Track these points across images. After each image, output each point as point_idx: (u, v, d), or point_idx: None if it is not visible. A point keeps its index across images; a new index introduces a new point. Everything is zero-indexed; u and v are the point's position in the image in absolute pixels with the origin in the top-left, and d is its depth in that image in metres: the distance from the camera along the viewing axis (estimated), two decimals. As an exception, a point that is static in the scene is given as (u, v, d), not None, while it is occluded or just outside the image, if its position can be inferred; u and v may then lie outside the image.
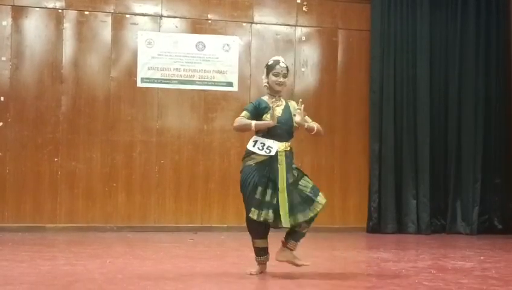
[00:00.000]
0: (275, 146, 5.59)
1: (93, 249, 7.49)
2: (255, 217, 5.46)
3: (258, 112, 5.68)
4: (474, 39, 10.52)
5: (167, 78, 9.83)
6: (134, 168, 9.71)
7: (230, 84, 10.01)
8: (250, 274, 5.65)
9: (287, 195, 5.52)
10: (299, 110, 5.67)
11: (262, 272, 5.73)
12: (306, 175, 5.74)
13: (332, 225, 10.07)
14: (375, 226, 10.19)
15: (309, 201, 5.56)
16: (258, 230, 5.62)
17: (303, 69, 10.24)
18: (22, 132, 9.40)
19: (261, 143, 5.62)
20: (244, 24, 10.16)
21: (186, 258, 6.87)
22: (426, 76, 10.38)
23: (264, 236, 5.67)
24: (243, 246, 7.71)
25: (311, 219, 5.61)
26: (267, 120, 5.60)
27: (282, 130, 5.66)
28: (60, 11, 9.58)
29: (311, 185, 5.64)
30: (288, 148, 5.67)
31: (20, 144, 9.38)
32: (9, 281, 5.16)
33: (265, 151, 5.59)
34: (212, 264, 6.42)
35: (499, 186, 10.54)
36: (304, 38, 10.32)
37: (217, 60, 9.99)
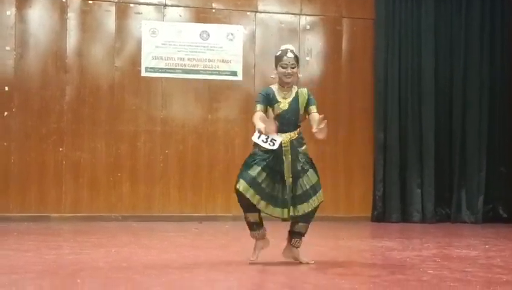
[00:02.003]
0: (279, 139, 5.50)
1: (98, 238, 7.50)
2: (241, 189, 5.40)
3: (269, 101, 5.58)
4: (479, 28, 10.50)
5: (171, 67, 9.83)
6: (138, 158, 9.71)
7: (234, 73, 10.00)
8: (250, 261, 5.59)
9: (292, 185, 5.49)
10: (321, 127, 5.33)
11: (263, 247, 5.68)
12: (313, 169, 5.64)
13: (337, 214, 10.07)
14: (380, 215, 10.20)
15: (308, 195, 5.55)
16: (248, 204, 5.50)
17: (307, 58, 10.22)
18: (27, 121, 9.40)
19: (265, 135, 5.59)
20: (248, 13, 10.14)
21: (191, 247, 6.88)
22: (431, 65, 10.36)
23: (255, 210, 5.55)
24: (248, 235, 7.71)
25: (310, 217, 5.59)
26: (260, 124, 5.37)
27: (288, 122, 5.57)
28: (64, 0, 9.57)
29: (312, 184, 5.58)
30: (295, 136, 5.58)
31: (25, 134, 9.39)
32: (15, 271, 5.17)
33: (269, 144, 5.51)
34: (217, 254, 6.42)
35: (504, 175, 10.54)
36: (308, 27, 10.30)
37: (221, 49, 9.98)
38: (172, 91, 9.87)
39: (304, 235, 5.71)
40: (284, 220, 5.59)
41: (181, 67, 9.87)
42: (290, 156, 5.52)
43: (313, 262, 5.69)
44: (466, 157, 10.42)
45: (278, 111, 5.56)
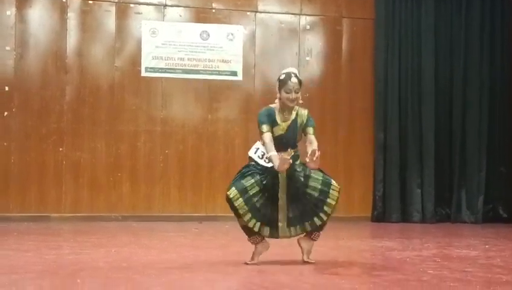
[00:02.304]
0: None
1: (98, 238, 7.50)
2: (231, 196, 5.39)
3: (271, 120, 5.55)
4: (479, 28, 10.50)
5: (171, 67, 9.83)
6: (138, 158, 9.72)
7: (234, 73, 10.00)
8: (246, 263, 5.56)
9: (289, 204, 5.49)
10: (315, 159, 5.38)
11: (262, 252, 5.64)
12: (317, 175, 5.62)
13: (337, 214, 10.01)
14: (380, 215, 10.20)
15: (318, 205, 5.53)
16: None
17: (307, 58, 10.21)
18: (27, 121, 9.40)
19: (262, 152, 5.54)
20: (248, 13, 10.13)
21: (191, 247, 6.88)
22: (431, 65, 10.36)
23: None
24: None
25: (325, 221, 5.60)
26: (277, 161, 5.33)
27: (286, 144, 5.54)
28: (64, 0, 9.57)
29: (320, 185, 5.56)
30: (292, 152, 5.54)
31: (25, 134, 9.39)
32: (15, 271, 5.17)
33: (265, 161, 5.51)
34: (217, 254, 6.42)
35: (504, 175, 10.54)
36: (308, 27, 10.30)
37: (221, 49, 9.98)
38: (172, 91, 9.87)
39: (322, 229, 5.71)
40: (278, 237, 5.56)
41: (181, 67, 9.87)
42: (285, 174, 5.47)
43: (313, 261, 5.69)
44: (466, 157, 10.42)
45: (276, 133, 5.53)
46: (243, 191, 5.43)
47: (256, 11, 10.15)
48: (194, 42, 9.92)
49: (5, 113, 9.35)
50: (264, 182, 5.47)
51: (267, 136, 5.48)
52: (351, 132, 10.35)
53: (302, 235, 5.73)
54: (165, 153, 9.80)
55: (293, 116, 5.66)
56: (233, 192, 5.42)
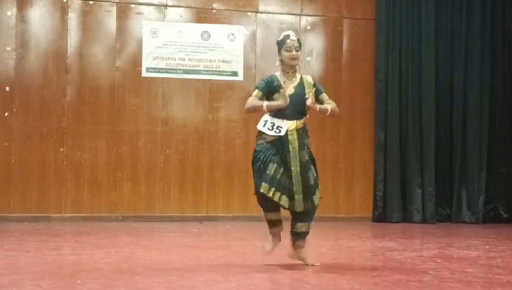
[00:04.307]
0: (285, 126, 5.45)
1: (98, 238, 7.51)
2: (266, 192, 5.32)
3: (270, 89, 5.54)
4: (480, 28, 10.49)
5: (172, 67, 9.83)
6: (139, 158, 9.71)
7: (235, 73, 10.00)
8: (263, 248, 5.57)
9: (302, 175, 5.46)
10: (310, 94, 5.49)
11: (276, 245, 5.62)
12: (314, 166, 5.64)
13: (338, 214, 10.07)
14: (381, 215, 10.20)
15: (312, 191, 5.55)
16: (270, 204, 5.46)
17: (308, 58, 10.21)
18: (27, 122, 9.40)
19: (271, 123, 5.48)
20: (249, 13, 10.14)
21: (192, 247, 6.88)
22: (431, 65, 10.36)
23: (277, 209, 5.52)
24: (248, 235, 7.72)
25: (310, 215, 5.59)
26: (279, 100, 5.45)
27: (294, 108, 5.48)
28: (64, 0, 9.57)
29: (314, 180, 5.57)
30: (301, 125, 5.53)
31: (26, 134, 9.39)
32: (15, 271, 5.17)
33: (275, 132, 5.46)
34: (218, 254, 6.42)
35: (504, 175, 10.54)
36: (309, 27, 10.30)
37: (222, 49, 9.98)
38: (173, 91, 9.87)
39: (307, 234, 5.66)
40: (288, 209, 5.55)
41: (182, 68, 9.87)
42: (296, 145, 5.46)
43: (318, 264, 5.65)
44: (466, 157, 10.42)
45: (287, 95, 5.45)
46: (272, 181, 5.37)
47: (257, 12, 10.16)
48: (195, 42, 9.92)
49: (6, 113, 9.36)
50: (280, 155, 5.44)
51: (252, 99, 5.55)
52: (351, 132, 10.35)
53: (290, 251, 5.71)
54: (165, 153, 9.80)
55: (298, 79, 5.65)
56: (266, 188, 5.35)
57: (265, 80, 5.64)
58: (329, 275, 5.26)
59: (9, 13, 9.41)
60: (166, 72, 9.82)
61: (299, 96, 5.54)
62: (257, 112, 5.67)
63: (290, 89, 5.55)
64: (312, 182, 5.53)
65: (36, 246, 6.68)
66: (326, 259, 6.03)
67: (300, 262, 5.69)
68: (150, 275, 5.08)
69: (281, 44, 5.62)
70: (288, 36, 5.62)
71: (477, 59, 10.46)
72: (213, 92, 9.96)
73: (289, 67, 5.60)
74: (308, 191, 5.51)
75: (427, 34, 10.37)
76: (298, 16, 10.27)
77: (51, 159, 9.45)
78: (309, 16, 10.31)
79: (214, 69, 9.94)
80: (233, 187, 9.84)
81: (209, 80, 9.94)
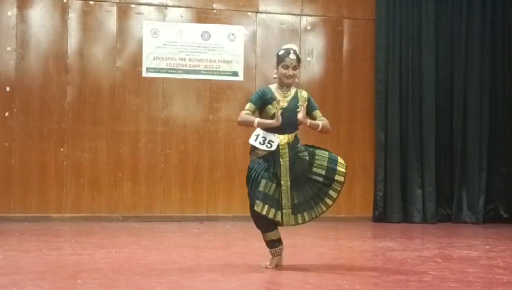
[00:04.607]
0: (277, 140, 5.43)
1: (99, 239, 7.51)
2: (259, 210, 5.32)
3: (263, 101, 5.50)
4: (480, 27, 10.49)
5: (172, 68, 9.83)
6: (139, 158, 9.71)
7: (235, 73, 10.00)
8: (266, 267, 5.51)
9: (293, 191, 5.43)
10: (302, 107, 5.42)
11: (278, 265, 5.58)
12: (319, 149, 5.62)
13: (338, 214, 10.06)
14: (381, 215, 10.20)
15: (324, 190, 5.52)
16: (266, 223, 5.46)
17: (308, 59, 10.21)
18: (28, 122, 9.40)
19: (263, 137, 5.46)
20: (249, 13, 10.14)
21: (192, 247, 6.88)
22: (431, 65, 10.36)
23: (274, 228, 5.51)
24: (249, 235, 7.72)
25: (334, 200, 5.62)
26: (270, 120, 5.41)
27: (286, 123, 5.44)
28: (65, 1, 9.57)
29: (325, 164, 5.55)
30: (292, 138, 5.51)
31: (26, 134, 9.39)
32: (16, 271, 5.18)
33: (267, 146, 5.43)
34: (218, 254, 6.43)
35: (505, 175, 10.54)
36: (309, 27, 10.30)
37: (222, 49, 9.98)
38: (173, 91, 9.87)
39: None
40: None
41: (182, 68, 9.87)
42: (287, 159, 5.45)
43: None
44: (467, 157, 10.42)
45: (277, 109, 5.42)
46: (265, 198, 5.36)
47: (257, 12, 10.15)
48: (195, 42, 9.92)
49: (6, 113, 9.35)
50: (271, 170, 5.43)
51: (243, 114, 5.49)
52: (351, 132, 10.34)
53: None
54: (166, 153, 9.80)
55: (293, 94, 5.61)
56: (260, 205, 5.34)
57: (259, 93, 5.59)
58: (330, 275, 5.27)
59: (9, 13, 9.41)
60: (166, 72, 9.82)
61: (291, 110, 5.49)
62: (249, 126, 5.62)
63: (283, 103, 5.51)
64: (320, 182, 5.52)
65: (36, 246, 6.68)
66: (326, 259, 6.03)
67: (301, 262, 5.69)
68: (151, 275, 5.09)
69: (279, 60, 5.58)
70: (288, 53, 5.56)
71: (477, 59, 10.46)
72: (213, 92, 9.96)
73: (283, 84, 5.57)
74: (313, 200, 5.50)
75: (427, 34, 10.37)
76: (298, 16, 10.27)
77: (51, 159, 9.45)
78: (309, 16, 10.31)
79: (214, 69, 9.94)
80: (234, 187, 9.84)
81: (210, 80, 9.94)
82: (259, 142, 5.48)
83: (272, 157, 5.46)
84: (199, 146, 9.90)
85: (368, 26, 10.45)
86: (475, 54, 10.46)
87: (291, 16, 10.25)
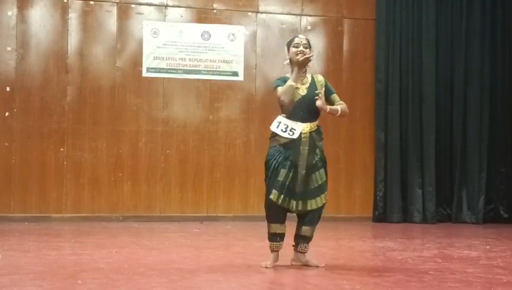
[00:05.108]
0: (299, 128, 5.45)
1: (99, 239, 7.51)
2: (274, 199, 5.38)
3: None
4: (480, 27, 10.49)
5: (172, 67, 9.83)
6: (139, 158, 9.72)
7: (235, 73, 10.00)
8: (266, 267, 5.50)
9: (305, 178, 5.46)
10: (320, 94, 5.46)
11: (276, 261, 5.59)
12: (324, 169, 5.62)
13: (338, 214, 10.07)
14: (381, 215, 10.20)
15: (318, 192, 5.55)
16: (277, 214, 5.48)
17: (308, 59, 10.19)
18: (28, 122, 9.40)
19: (285, 125, 5.47)
20: (249, 13, 10.14)
21: (192, 247, 6.88)
22: (432, 65, 10.36)
23: (282, 221, 5.53)
24: (249, 235, 7.72)
25: (315, 218, 5.61)
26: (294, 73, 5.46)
27: (308, 110, 5.48)
28: (65, 0, 9.57)
29: (320, 183, 5.57)
30: (315, 128, 5.54)
31: (26, 134, 9.39)
32: (16, 271, 5.18)
33: (289, 134, 5.44)
34: (218, 254, 6.42)
35: (505, 176, 10.54)
36: (309, 27, 10.30)
37: (223, 49, 9.98)
38: (173, 91, 9.88)
39: (310, 240, 5.66)
40: (292, 212, 5.57)
41: (182, 68, 9.87)
42: (307, 147, 5.46)
43: (323, 265, 5.64)
44: (467, 157, 10.42)
45: (296, 98, 5.46)
46: (282, 188, 5.41)
47: (258, 12, 10.16)
48: (195, 42, 9.92)
49: (7, 113, 9.36)
50: (290, 159, 5.45)
51: (278, 89, 5.48)
52: (351, 132, 10.34)
53: (293, 256, 5.71)
54: (166, 153, 9.80)
55: (310, 80, 5.63)
56: (276, 195, 5.40)
57: (279, 79, 5.64)
58: (330, 275, 5.26)
59: (9, 13, 9.41)
60: (166, 72, 9.82)
61: (311, 97, 5.51)
62: (290, 93, 5.47)
63: (302, 90, 5.53)
64: (316, 185, 5.53)
65: (36, 246, 6.68)
66: (326, 259, 6.03)
67: (303, 264, 5.68)
68: (151, 275, 5.09)
69: (289, 43, 5.67)
70: (296, 35, 5.77)
71: (477, 59, 10.46)
72: (213, 92, 9.96)
73: (296, 64, 5.51)
74: (312, 193, 5.51)
75: (427, 34, 10.37)
76: (298, 16, 10.27)
77: (51, 159, 9.45)
78: (309, 16, 10.31)
79: (214, 69, 9.94)
80: (234, 187, 9.85)
81: (210, 80, 9.94)
82: (281, 130, 5.48)
83: (292, 144, 5.46)
84: (199, 146, 9.90)
85: (368, 26, 10.45)
86: (475, 54, 10.46)
87: (292, 16, 10.25)
